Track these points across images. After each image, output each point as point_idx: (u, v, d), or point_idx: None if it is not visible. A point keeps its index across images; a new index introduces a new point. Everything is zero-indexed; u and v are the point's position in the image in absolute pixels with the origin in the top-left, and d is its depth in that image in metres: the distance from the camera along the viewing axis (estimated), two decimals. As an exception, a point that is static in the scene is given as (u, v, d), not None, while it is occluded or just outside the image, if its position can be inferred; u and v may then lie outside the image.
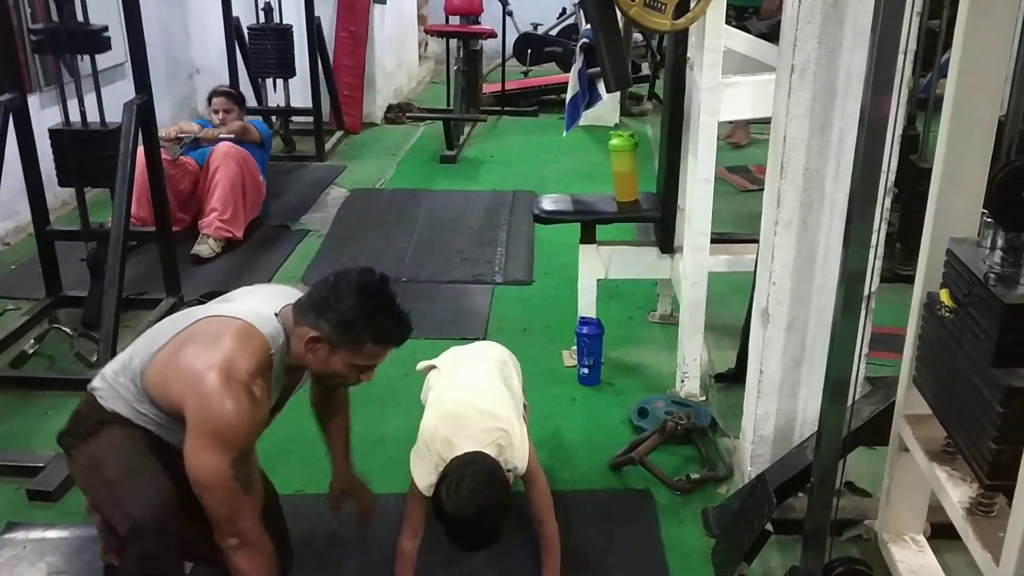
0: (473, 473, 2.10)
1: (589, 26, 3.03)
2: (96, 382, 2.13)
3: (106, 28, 3.50)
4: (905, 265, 3.93)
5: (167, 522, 1.93)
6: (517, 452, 2.24)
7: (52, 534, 2.59)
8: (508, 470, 2.21)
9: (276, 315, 2.06)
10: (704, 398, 3.30)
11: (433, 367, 2.60)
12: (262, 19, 6.17)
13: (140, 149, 3.64)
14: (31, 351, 3.51)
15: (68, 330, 3.55)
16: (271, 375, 2.03)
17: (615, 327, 3.74)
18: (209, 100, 5.16)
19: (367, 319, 2.00)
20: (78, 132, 3.58)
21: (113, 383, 2.08)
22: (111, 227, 3.50)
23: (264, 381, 1.99)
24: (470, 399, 2.37)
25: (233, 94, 5.16)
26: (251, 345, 1.98)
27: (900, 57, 1.81)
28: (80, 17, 3.45)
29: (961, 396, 1.82)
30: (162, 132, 5.01)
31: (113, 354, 3.26)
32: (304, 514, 2.62)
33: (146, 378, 2.03)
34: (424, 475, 2.21)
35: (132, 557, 1.96)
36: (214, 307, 2.16)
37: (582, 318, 3.46)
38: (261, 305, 2.09)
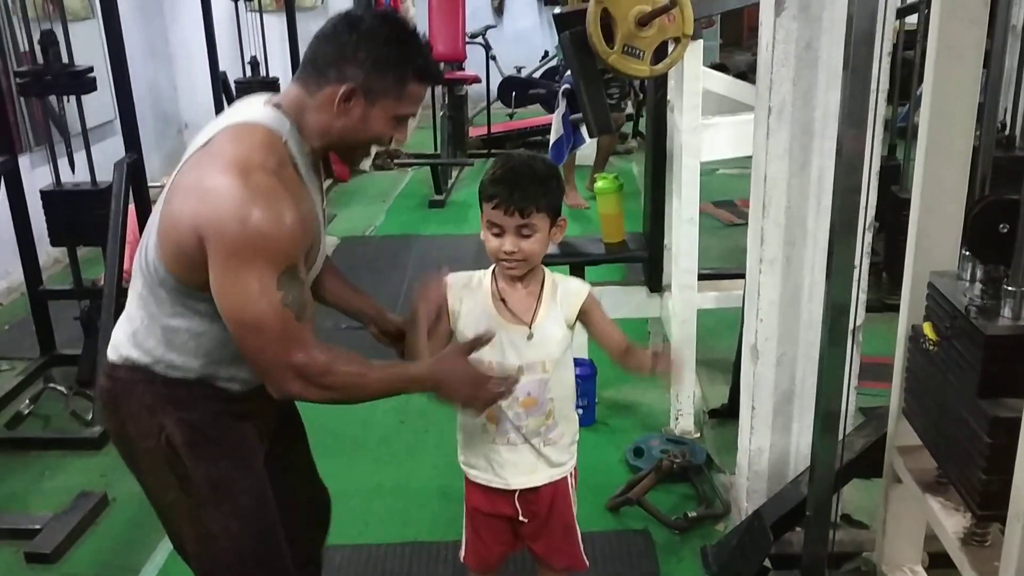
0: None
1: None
2: (112, 352, 1.70)
3: (91, 69, 3.55)
4: (892, 294, 3.92)
5: None
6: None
7: (51, 597, 2.58)
8: None
9: (266, 105, 1.65)
10: (699, 435, 3.32)
11: None
12: (249, 73, 6.24)
13: (131, 207, 3.67)
14: (27, 412, 3.50)
15: (63, 389, 3.55)
16: (297, 163, 1.63)
17: (608, 367, 3.72)
18: None
19: (405, 50, 1.64)
20: (69, 192, 3.62)
21: (130, 323, 1.68)
22: (103, 285, 3.52)
23: (288, 171, 1.59)
24: None
25: None
26: (253, 138, 1.57)
27: (872, 93, 1.85)
28: (65, 59, 3.50)
29: (949, 427, 1.84)
30: None
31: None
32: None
33: (159, 251, 1.58)
34: None
35: None
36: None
37: (574, 359, 3.46)
38: (234, 114, 1.66)
